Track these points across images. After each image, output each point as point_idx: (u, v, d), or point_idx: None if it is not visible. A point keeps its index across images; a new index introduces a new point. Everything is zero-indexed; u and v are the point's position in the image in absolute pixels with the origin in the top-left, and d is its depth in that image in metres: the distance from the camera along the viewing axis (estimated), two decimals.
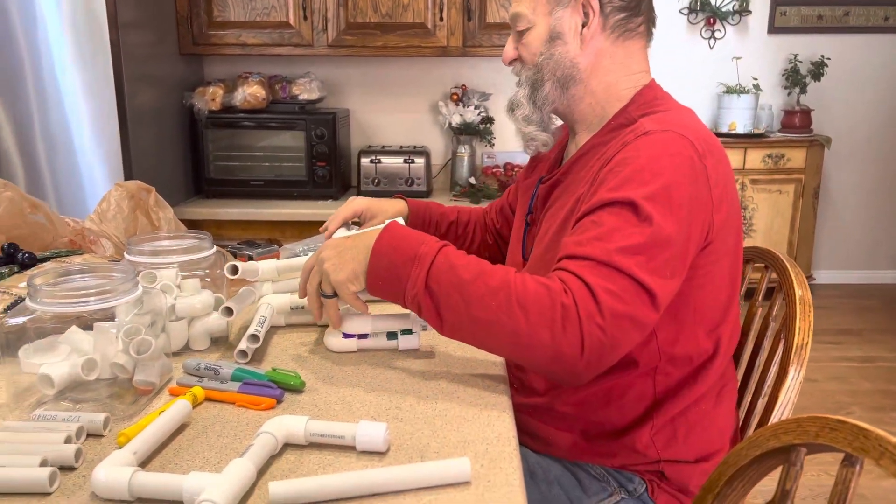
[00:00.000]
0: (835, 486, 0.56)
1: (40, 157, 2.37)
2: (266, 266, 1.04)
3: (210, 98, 2.75)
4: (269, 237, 2.64)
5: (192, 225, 2.38)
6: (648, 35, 1.06)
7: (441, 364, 0.95)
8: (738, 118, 3.48)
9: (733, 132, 3.48)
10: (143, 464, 0.70)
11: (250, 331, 0.94)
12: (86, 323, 0.83)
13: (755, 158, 3.44)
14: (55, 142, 2.36)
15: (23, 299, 0.95)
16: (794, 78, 3.59)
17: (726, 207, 0.95)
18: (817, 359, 3.02)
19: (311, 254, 1.18)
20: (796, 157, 3.47)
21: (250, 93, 2.75)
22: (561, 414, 1.02)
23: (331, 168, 2.76)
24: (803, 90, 3.60)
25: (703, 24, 3.65)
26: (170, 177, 2.70)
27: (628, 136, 0.96)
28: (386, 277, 0.87)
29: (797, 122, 3.57)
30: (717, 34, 3.66)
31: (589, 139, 1.06)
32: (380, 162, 2.85)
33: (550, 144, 1.12)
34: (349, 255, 0.90)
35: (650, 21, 1.06)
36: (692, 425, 1.00)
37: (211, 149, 2.78)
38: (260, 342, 0.95)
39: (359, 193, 2.87)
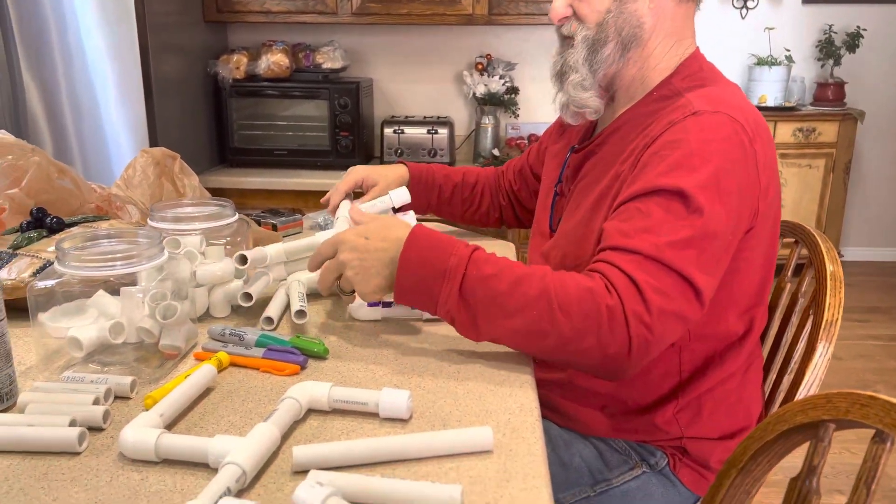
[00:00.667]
0: (864, 464, 0.55)
1: (67, 123, 2.39)
2: (274, 251, 1.03)
3: (234, 66, 2.74)
4: (293, 206, 2.65)
5: (217, 194, 2.38)
6: None
7: None
8: (769, 91, 3.40)
9: (764, 105, 3.40)
10: (169, 426, 0.71)
11: (295, 307, 0.95)
12: (113, 287, 0.84)
13: (785, 132, 3.36)
14: (81, 109, 2.38)
15: (51, 263, 0.96)
16: (828, 49, 3.49)
17: (772, 192, 0.92)
18: (843, 336, 2.98)
19: (331, 224, 1.18)
20: (828, 131, 3.38)
21: (274, 61, 2.74)
22: (582, 390, 1.02)
23: (354, 138, 2.76)
24: (837, 62, 3.50)
25: None
26: (194, 145, 2.71)
27: (674, 113, 0.91)
28: (414, 292, 0.84)
29: (830, 95, 3.48)
30: (749, 4, 3.56)
31: (628, 109, 1.01)
32: (403, 132, 2.84)
33: (602, 112, 1.04)
34: (373, 269, 0.85)
35: None
36: (717, 403, 0.99)
37: (235, 117, 2.78)
38: (307, 317, 0.95)
39: (381, 164, 2.87)
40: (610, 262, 0.83)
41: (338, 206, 1.25)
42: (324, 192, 2.76)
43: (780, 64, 3.40)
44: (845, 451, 2.16)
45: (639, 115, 0.99)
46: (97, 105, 2.37)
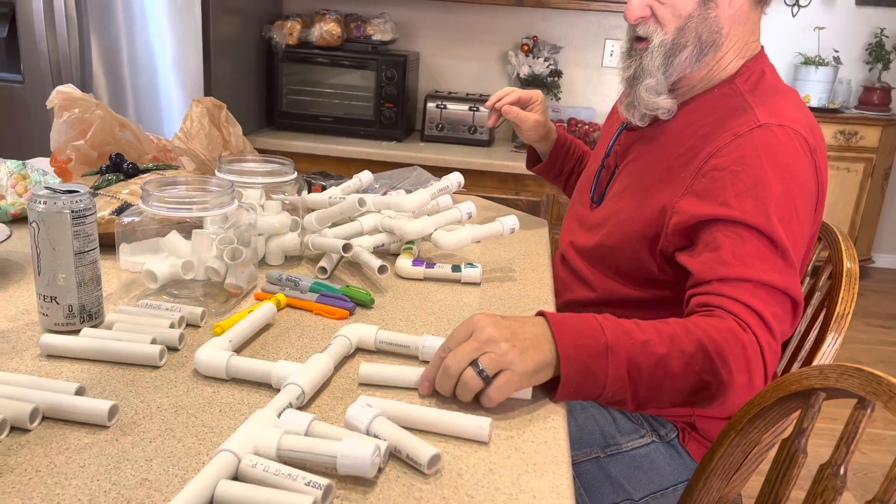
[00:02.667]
0: (846, 426, 0.62)
1: (125, 81, 2.51)
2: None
3: (288, 32, 2.83)
4: (336, 173, 2.74)
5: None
6: (767, 1, 1.01)
7: (496, 296, 1.03)
8: (814, 91, 3.40)
9: (806, 105, 3.40)
10: (236, 352, 0.80)
11: (377, 265, 0.99)
12: (184, 229, 0.94)
13: (826, 134, 3.36)
14: (139, 67, 2.49)
15: (128, 204, 1.06)
16: (877, 53, 3.46)
17: (823, 200, 0.96)
18: (867, 341, 3.01)
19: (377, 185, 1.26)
20: (870, 136, 3.38)
21: (326, 30, 2.82)
22: None
23: (397, 110, 2.83)
24: (886, 67, 3.47)
25: None
26: (245, 106, 2.81)
27: (740, 126, 0.93)
28: (580, 371, 0.73)
29: (875, 99, 3.47)
30: (801, 2, 3.54)
31: (687, 100, 1.04)
32: (445, 108, 2.90)
33: (675, 111, 1.03)
34: (529, 341, 0.72)
35: None
36: None
37: (285, 82, 2.87)
38: (389, 271, 1.02)
39: (422, 138, 2.94)
40: (727, 295, 0.83)
41: (500, 103, 1.30)
42: (366, 161, 2.84)
43: (827, 64, 3.39)
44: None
45: (699, 110, 1.01)
46: (154, 65, 2.48)
